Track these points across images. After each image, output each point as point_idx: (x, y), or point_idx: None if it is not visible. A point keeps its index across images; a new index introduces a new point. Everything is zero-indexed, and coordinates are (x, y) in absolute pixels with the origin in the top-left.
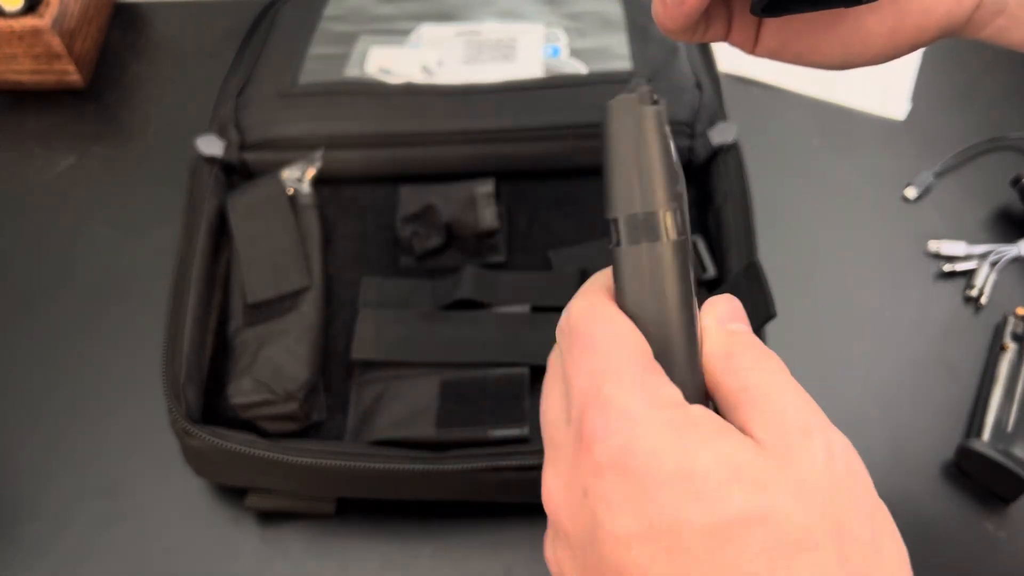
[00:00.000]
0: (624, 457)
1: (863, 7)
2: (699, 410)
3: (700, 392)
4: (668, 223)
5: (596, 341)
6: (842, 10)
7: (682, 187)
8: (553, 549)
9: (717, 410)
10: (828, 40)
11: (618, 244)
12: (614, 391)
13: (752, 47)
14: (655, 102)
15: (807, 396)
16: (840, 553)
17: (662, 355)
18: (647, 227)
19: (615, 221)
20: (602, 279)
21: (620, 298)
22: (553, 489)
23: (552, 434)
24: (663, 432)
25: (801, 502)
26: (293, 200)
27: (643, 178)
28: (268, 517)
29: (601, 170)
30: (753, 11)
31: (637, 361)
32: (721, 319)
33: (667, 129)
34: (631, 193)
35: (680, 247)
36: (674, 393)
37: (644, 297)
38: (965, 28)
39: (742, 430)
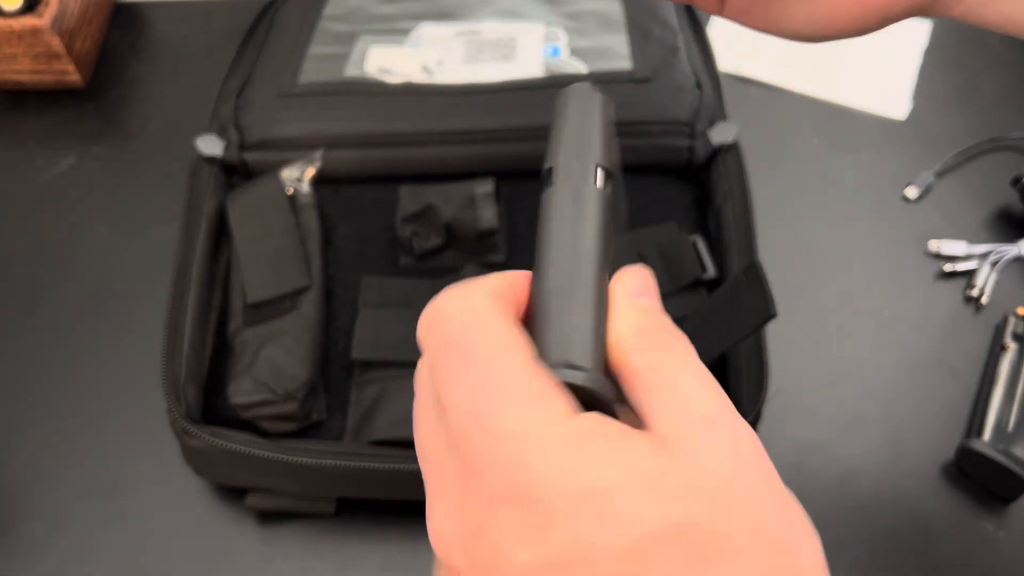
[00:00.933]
0: (519, 485)
1: None
2: (592, 418)
3: (601, 360)
4: (599, 176)
5: (476, 349)
6: None
7: (618, 164)
8: None
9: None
10: (795, 8)
11: (551, 185)
12: (499, 409)
13: (719, 8)
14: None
15: (716, 383)
16: (756, 556)
17: (568, 309)
18: (582, 171)
19: (552, 169)
20: (488, 282)
21: (540, 244)
22: (443, 528)
23: (433, 465)
24: (559, 451)
25: (713, 507)
26: (293, 200)
27: (588, 137)
28: (268, 517)
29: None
30: None
31: (522, 370)
32: (630, 293)
33: (611, 117)
34: (573, 147)
35: (607, 200)
36: (562, 403)
37: (564, 237)
38: (936, 5)
39: (641, 416)
